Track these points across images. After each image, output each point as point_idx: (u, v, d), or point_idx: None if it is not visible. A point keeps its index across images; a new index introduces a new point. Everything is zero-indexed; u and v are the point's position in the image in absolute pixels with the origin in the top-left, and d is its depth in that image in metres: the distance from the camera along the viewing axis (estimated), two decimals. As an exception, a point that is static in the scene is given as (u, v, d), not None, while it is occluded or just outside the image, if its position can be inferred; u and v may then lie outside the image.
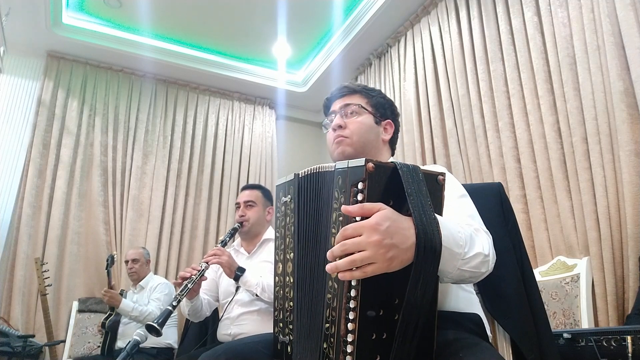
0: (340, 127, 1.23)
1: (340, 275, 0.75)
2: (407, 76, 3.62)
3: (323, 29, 4.02)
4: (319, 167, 0.93)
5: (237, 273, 1.93)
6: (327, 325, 0.81)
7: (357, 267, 0.74)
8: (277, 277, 1.07)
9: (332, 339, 0.79)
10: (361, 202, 0.77)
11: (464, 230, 0.89)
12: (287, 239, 1.03)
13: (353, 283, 0.76)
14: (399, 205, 0.79)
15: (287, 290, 1.02)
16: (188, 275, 1.80)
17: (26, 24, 3.73)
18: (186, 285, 1.77)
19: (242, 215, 2.22)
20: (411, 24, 3.66)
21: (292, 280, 1.00)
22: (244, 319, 2.00)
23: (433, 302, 0.81)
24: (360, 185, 0.77)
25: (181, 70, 4.41)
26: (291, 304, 1.00)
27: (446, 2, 3.32)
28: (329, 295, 0.81)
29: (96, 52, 4.14)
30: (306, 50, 4.36)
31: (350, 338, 0.76)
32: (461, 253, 0.86)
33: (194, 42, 4.25)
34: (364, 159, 0.77)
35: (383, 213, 0.75)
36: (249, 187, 2.38)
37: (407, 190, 0.76)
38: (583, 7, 2.35)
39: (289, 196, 1.03)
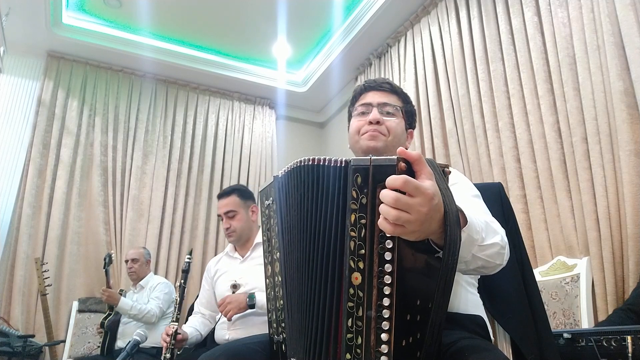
0: (378, 122, 1.24)
1: (379, 222, 0.72)
2: (407, 76, 3.62)
3: (323, 29, 4.02)
4: (303, 160, 0.90)
5: (249, 305, 1.92)
6: (350, 335, 0.77)
7: (393, 223, 0.70)
8: (267, 280, 1.07)
9: (358, 350, 0.76)
10: None
11: (479, 217, 0.91)
12: (273, 240, 1.02)
13: (386, 292, 0.73)
14: None
15: (277, 290, 1.02)
16: (165, 345, 1.81)
17: (26, 24, 3.73)
18: (164, 356, 1.79)
19: (228, 228, 2.18)
20: (411, 24, 3.66)
21: (280, 279, 1.00)
22: (241, 322, 1.99)
23: (448, 302, 0.82)
24: None
25: (181, 70, 4.41)
26: (281, 302, 0.99)
27: (446, 2, 3.31)
28: (351, 304, 0.77)
29: (96, 52, 4.14)
30: (306, 50, 4.36)
31: (385, 349, 0.73)
32: (478, 239, 0.87)
33: (194, 42, 4.25)
34: (395, 156, 0.74)
35: (435, 186, 0.72)
36: (223, 194, 2.28)
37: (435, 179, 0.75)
38: (583, 7, 2.35)
39: (271, 199, 1.02)
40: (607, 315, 1.93)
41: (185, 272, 1.93)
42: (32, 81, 4.06)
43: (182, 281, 1.92)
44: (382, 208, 0.71)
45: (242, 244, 2.22)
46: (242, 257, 2.19)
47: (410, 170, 0.74)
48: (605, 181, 2.13)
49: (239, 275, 2.09)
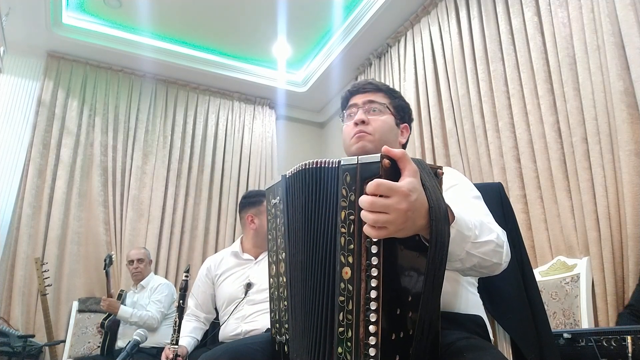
0: (363, 122, 1.22)
1: (365, 229, 0.74)
2: (407, 76, 3.62)
3: (323, 29, 4.02)
4: (308, 164, 0.91)
5: None
6: (342, 329, 0.78)
7: (374, 226, 0.72)
8: (271, 279, 1.07)
9: (349, 343, 0.77)
10: None
11: (474, 216, 0.90)
12: (279, 240, 1.02)
13: (373, 284, 0.74)
14: None
15: (281, 290, 1.02)
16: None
17: (26, 24, 3.73)
18: None
19: None
20: (411, 24, 3.66)
21: (284, 280, 1.00)
22: (256, 316, 2.00)
23: (439, 298, 0.82)
24: None
25: (181, 70, 4.41)
26: (285, 303, 0.99)
27: (446, 2, 3.32)
28: (342, 298, 0.78)
29: (96, 52, 4.14)
30: (306, 50, 4.35)
31: (373, 341, 0.74)
32: (470, 236, 0.86)
33: (194, 42, 4.25)
34: (379, 154, 0.75)
35: (413, 182, 0.73)
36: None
37: (420, 176, 0.77)
38: (583, 7, 2.35)
39: (278, 197, 1.02)
40: (616, 321, 1.92)
41: (183, 290, 1.87)
42: (32, 81, 4.06)
43: (181, 301, 1.86)
44: (362, 213, 0.72)
45: (258, 246, 2.20)
46: (256, 257, 2.19)
47: (395, 167, 0.75)
48: (605, 181, 2.13)
49: (253, 275, 2.10)
